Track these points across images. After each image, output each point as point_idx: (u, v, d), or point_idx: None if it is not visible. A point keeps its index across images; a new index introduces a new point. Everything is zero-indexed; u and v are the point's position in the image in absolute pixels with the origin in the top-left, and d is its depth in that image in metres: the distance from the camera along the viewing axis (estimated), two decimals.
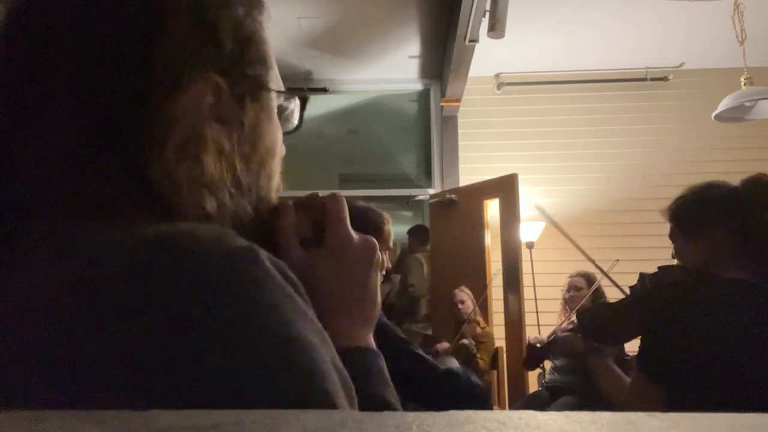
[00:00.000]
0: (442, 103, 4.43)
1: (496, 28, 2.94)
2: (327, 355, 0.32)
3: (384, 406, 0.43)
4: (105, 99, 0.36)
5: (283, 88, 0.48)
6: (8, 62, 0.38)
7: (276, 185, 0.47)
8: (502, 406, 3.46)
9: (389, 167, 4.79)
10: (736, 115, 3.05)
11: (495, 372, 3.55)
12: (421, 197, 4.65)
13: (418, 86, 4.71)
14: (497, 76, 4.63)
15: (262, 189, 0.45)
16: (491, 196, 3.95)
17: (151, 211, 0.36)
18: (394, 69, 4.44)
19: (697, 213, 1.27)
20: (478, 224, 3.98)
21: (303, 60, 4.24)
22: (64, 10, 0.38)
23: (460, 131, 4.54)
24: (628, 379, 1.33)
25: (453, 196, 4.15)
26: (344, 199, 0.50)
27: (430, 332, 4.12)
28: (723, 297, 1.16)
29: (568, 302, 3.16)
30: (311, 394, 0.29)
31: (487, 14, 3.03)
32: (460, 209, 4.10)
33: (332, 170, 5.09)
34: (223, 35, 0.41)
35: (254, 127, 0.43)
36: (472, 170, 4.36)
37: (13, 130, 0.37)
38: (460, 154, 4.50)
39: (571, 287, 3.18)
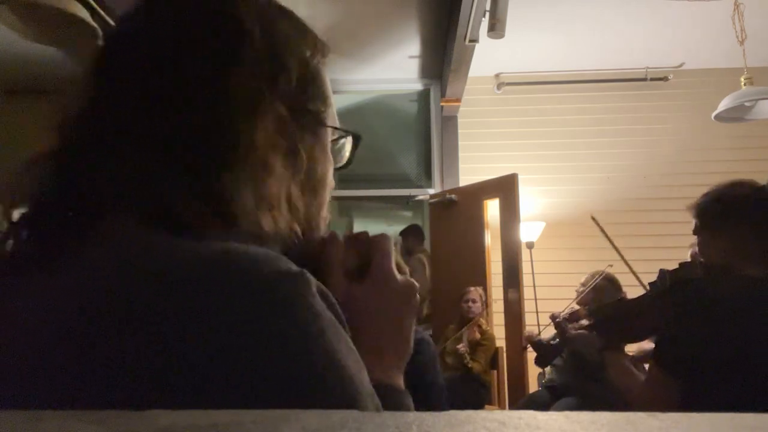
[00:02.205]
0: (442, 103, 4.43)
1: (496, 28, 2.94)
2: (367, 384, 0.33)
3: None
4: (184, 121, 0.39)
5: (338, 125, 0.51)
6: (103, 81, 0.42)
7: (325, 215, 0.50)
8: (502, 406, 3.45)
9: (389, 167, 4.78)
10: (736, 115, 3.05)
11: (495, 372, 3.54)
12: (421, 197, 4.65)
13: (418, 86, 4.71)
14: (497, 76, 4.63)
15: (312, 217, 0.47)
16: (491, 196, 3.95)
17: (213, 226, 0.38)
18: (394, 69, 4.43)
19: (723, 208, 1.28)
20: (478, 224, 3.98)
21: None
22: (157, 41, 0.42)
23: (460, 131, 4.54)
24: (643, 376, 1.33)
25: (453, 196, 4.15)
26: (391, 239, 0.51)
27: (430, 332, 4.12)
28: (744, 294, 1.16)
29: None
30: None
31: (487, 14, 3.03)
32: (460, 209, 4.10)
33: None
34: (292, 72, 0.44)
35: (310, 158, 0.46)
36: (472, 170, 4.35)
37: (99, 139, 0.40)
38: (460, 154, 4.50)
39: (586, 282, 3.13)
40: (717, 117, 3.03)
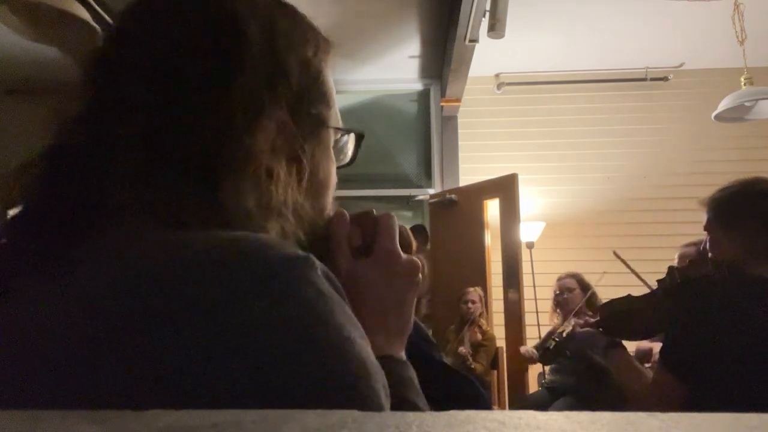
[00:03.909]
0: (442, 103, 4.43)
1: (496, 28, 2.94)
2: (373, 358, 0.34)
3: (415, 410, 0.44)
4: (183, 127, 0.39)
5: (340, 125, 0.51)
6: (102, 82, 0.42)
7: (327, 215, 0.50)
8: (502, 406, 3.45)
9: (389, 167, 4.78)
10: (736, 115, 3.05)
11: (495, 372, 3.54)
12: (421, 197, 4.65)
13: (418, 86, 4.71)
14: (497, 76, 4.63)
15: (315, 219, 0.47)
16: (491, 196, 3.95)
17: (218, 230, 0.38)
18: (394, 69, 4.43)
19: (737, 205, 1.27)
20: (478, 224, 3.98)
21: None
22: (154, 43, 0.41)
23: (460, 131, 4.54)
24: (649, 376, 1.32)
25: (453, 196, 4.15)
26: (395, 218, 0.52)
27: (430, 332, 4.12)
28: (753, 294, 1.15)
29: (561, 304, 3.15)
30: (365, 390, 0.31)
31: (487, 14, 3.03)
32: (460, 209, 4.10)
33: None
34: (293, 75, 0.44)
35: (312, 161, 0.46)
36: (472, 170, 4.36)
37: (98, 141, 0.40)
38: (460, 154, 4.50)
39: (563, 289, 3.16)
40: (717, 117, 3.03)
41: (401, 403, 0.43)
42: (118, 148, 0.39)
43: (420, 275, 0.51)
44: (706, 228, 1.33)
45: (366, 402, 0.30)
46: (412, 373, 0.47)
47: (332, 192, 0.50)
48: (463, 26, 3.22)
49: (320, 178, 0.47)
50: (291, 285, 0.32)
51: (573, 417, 0.20)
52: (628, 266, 1.85)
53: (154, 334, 0.29)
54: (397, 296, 0.49)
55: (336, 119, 0.50)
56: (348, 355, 0.31)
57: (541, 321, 3.83)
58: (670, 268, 1.37)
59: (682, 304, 1.23)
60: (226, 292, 0.30)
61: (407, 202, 4.80)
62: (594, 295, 3.07)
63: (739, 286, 1.19)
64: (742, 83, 2.93)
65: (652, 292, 1.40)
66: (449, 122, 4.55)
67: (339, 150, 0.52)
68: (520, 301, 3.65)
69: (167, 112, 0.39)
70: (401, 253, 0.50)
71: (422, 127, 4.78)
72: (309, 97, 0.46)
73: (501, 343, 3.65)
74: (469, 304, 3.55)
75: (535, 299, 3.93)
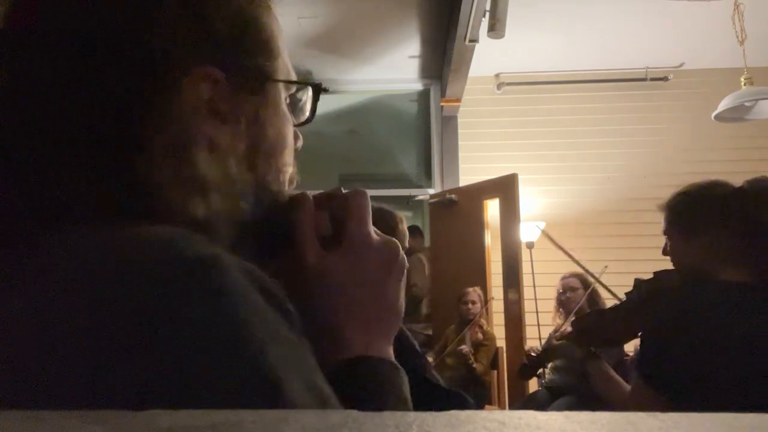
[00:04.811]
0: (442, 103, 4.43)
1: (496, 28, 2.94)
2: (301, 377, 0.28)
3: None
4: (93, 99, 0.35)
5: (293, 78, 0.45)
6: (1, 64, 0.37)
7: (286, 180, 0.44)
8: (502, 406, 3.45)
9: (389, 167, 4.78)
10: (736, 115, 3.05)
11: (495, 372, 3.55)
12: (421, 197, 4.65)
13: (418, 86, 4.71)
14: (497, 76, 4.63)
15: (270, 185, 0.42)
16: (491, 196, 3.95)
17: (140, 217, 0.33)
18: (394, 69, 4.43)
19: (698, 210, 1.23)
20: (478, 224, 3.98)
21: (303, 60, 4.24)
22: (48, 9, 0.36)
23: (460, 131, 4.54)
24: (627, 387, 1.31)
25: (453, 196, 4.15)
26: (368, 196, 0.45)
27: (430, 332, 4.12)
28: (722, 301, 1.14)
29: (564, 304, 3.16)
30: (272, 399, 0.26)
31: (487, 14, 3.03)
32: (460, 209, 4.10)
33: (332, 170, 5.08)
34: (218, 24, 0.38)
35: (256, 121, 0.41)
36: (472, 170, 4.36)
37: (10, 129, 0.35)
38: (460, 154, 4.50)
39: (566, 288, 3.18)
40: (717, 117, 3.03)
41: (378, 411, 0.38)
42: (22, 132, 0.35)
43: (401, 257, 0.45)
44: (665, 233, 1.30)
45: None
46: (398, 376, 0.42)
47: (290, 153, 0.44)
48: (463, 26, 3.22)
49: (271, 138, 0.42)
50: (181, 296, 0.27)
51: (573, 417, 0.20)
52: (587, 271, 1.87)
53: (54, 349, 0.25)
54: (375, 288, 0.43)
55: (286, 72, 0.44)
56: (254, 374, 0.26)
57: (541, 321, 3.83)
58: (637, 281, 1.36)
59: (653, 316, 1.22)
60: (110, 310, 0.26)
61: (407, 202, 4.80)
62: (596, 294, 3.08)
63: (707, 295, 1.17)
64: (742, 83, 2.93)
65: (620, 305, 1.40)
66: (449, 122, 4.55)
67: (295, 106, 0.46)
68: (520, 301, 3.65)
69: (67, 87, 0.35)
70: (375, 236, 0.44)
71: (422, 127, 4.78)
72: (243, 49, 0.40)
73: (501, 343, 3.65)
74: (469, 305, 3.55)
75: (535, 299, 3.93)
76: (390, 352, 0.44)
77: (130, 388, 0.24)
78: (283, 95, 0.44)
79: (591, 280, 3.08)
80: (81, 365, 0.25)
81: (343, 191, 0.46)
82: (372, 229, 0.44)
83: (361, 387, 0.39)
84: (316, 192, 0.46)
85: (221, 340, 0.26)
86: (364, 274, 0.43)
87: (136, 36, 0.35)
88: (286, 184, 0.44)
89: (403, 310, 0.46)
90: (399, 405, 0.39)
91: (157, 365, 0.25)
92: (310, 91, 0.47)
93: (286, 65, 0.44)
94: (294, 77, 0.45)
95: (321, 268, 0.42)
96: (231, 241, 0.38)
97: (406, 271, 0.46)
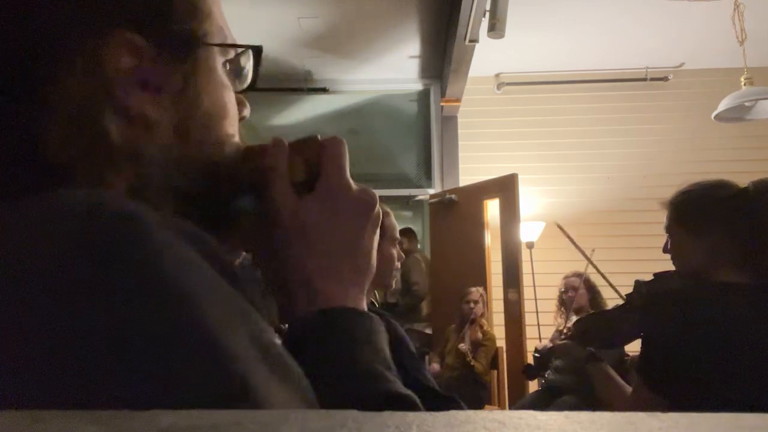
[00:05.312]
0: (442, 103, 4.43)
1: (496, 28, 2.94)
2: (241, 334, 0.26)
3: (367, 373, 0.37)
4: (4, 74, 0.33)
5: (229, 41, 0.42)
6: None
7: (231, 150, 0.42)
8: (502, 406, 3.46)
9: (389, 167, 4.79)
10: (736, 115, 3.05)
11: (495, 372, 3.55)
12: (421, 197, 4.65)
13: (418, 86, 4.71)
14: (497, 76, 4.63)
15: (210, 155, 0.40)
16: (491, 196, 3.95)
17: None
18: (394, 69, 4.44)
19: (701, 210, 1.22)
20: (478, 224, 3.98)
21: (303, 60, 4.24)
22: None
23: (460, 131, 4.54)
24: (629, 388, 1.30)
25: (453, 196, 4.15)
26: (345, 144, 0.44)
27: (430, 331, 4.13)
28: (724, 303, 1.13)
29: (566, 303, 3.17)
30: (215, 382, 0.24)
31: (487, 14, 3.03)
32: (460, 209, 4.10)
33: None
34: None
35: (187, 89, 0.38)
36: (472, 170, 4.36)
37: None
38: (460, 154, 4.50)
39: (568, 287, 3.18)
40: (717, 117, 3.03)
41: (352, 368, 0.37)
42: None
43: (378, 208, 0.44)
44: (667, 230, 1.29)
45: (222, 392, 0.23)
46: (373, 325, 0.41)
47: (231, 121, 0.42)
48: (463, 26, 3.23)
49: (206, 105, 0.39)
50: (111, 253, 0.25)
51: (573, 417, 0.20)
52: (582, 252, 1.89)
53: None
54: (348, 235, 0.42)
55: (221, 35, 0.41)
56: (190, 335, 0.24)
57: (541, 321, 3.84)
58: (637, 283, 1.35)
59: (655, 318, 1.21)
60: (29, 277, 0.24)
61: (407, 202, 4.81)
62: (598, 294, 3.09)
63: (709, 297, 1.16)
64: (742, 83, 2.93)
65: (621, 307, 1.40)
66: (449, 122, 4.55)
67: (235, 72, 0.43)
68: (520, 301, 3.65)
69: None
70: (352, 184, 0.43)
71: (422, 127, 4.79)
72: (166, 11, 0.37)
73: (501, 343, 3.65)
74: (471, 304, 3.55)
75: (535, 299, 3.93)
76: (362, 301, 0.43)
77: (69, 357, 0.22)
78: (219, 61, 0.41)
79: (592, 279, 3.09)
80: (17, 348, 0.23)
81: (320, 138, 0.44)
82: (347, 176, 0.43)
83: (334, 338, 0.38)
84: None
85: (150, 294, 0.24)
86: (337, 220, 0.42)
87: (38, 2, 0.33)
88: (231, 155, 0.42)
89: (375, 261, 0.45)
90: (373, 355, 0.38)
91: (89, 329, 0.23)
92: (251, 56, 0.44)
93: (222, 28, 0.41)
94: (231, 41, 0.42)
95: (294, 214, 0.41)
96: (175, 210, 0.37)
97: (380, 222, 0.45)
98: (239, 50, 0.43)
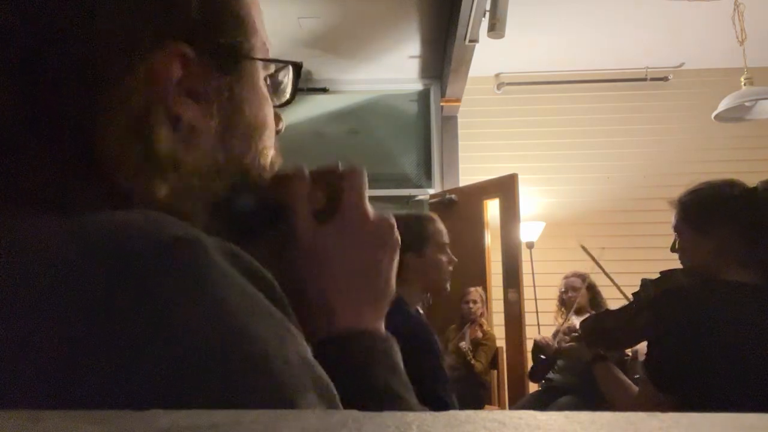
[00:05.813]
0: (442, 103, 4.43)
1: (496, 28, 2.94)
2: (294, 357, 0.28)
3: (386, 395, 0.38)
4: (52, 82, 0.33)
5: (269, 56, 0.43)
6: None
7: (267, 163, 0.43)
8: (502, 406, 3.46)
9: (389, 167, 4.78)
10: (736, 115, 3.05)
11: (495, 372, 3.55)
12: (421, 197, 4.65)
13: (418, 86, 4.71)
14: (497, 76, 4.63)
15: (249, 167, 0.41)
16: (491, 196, 3.95)
17: (105, 202, 0.32)
18: (394, 69, 4.43)
19: (710, 209, 1.22)
20: (478, 224, 3.98)
21: (303, 60, 4.22)
22: None
23: (460, 131, 4.54)
24: (635, 388, 1.30)
25: (453, 196, 4.15)
26: (364, 173, 0.45)
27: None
28: (731, 302, 1.13)
29: (566, 303, 3.18)
30: (264, 394, 0.25)
31: (487, 14, 3.03)
32: (460, 209, 4.10)
33: None
34: (188, 2, 0.36)
35: (231, 100, 0.39)
36: (472, 170, 4.36)
37: None
38: (460, 154, 4.50)
39: (569, 288, 3.19)
40: (717, 117, 3.03)
41: (369, 389, 0.38)
42: None
43: (395, 234, 0.45)
44: (675, 229, 1.30)
45: (275, 405, 0.25)
46: (390, 347, 0.42)
47: (270, 135, 0.43)
48: (463, 26, 3.22)
49: (248, 118, 0.40)
50: (155, 279, 0.25)
51: (573, 417, 0.20)
52: (598, 264, 1.91)
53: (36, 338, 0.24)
54: (368, 262, 0.43)
55: (264, 50, 0.42)
56: (246, 357, 0.25)
57: (541, 321, 3.83)
58: (643, 281, 1.34)
59: (662, 318, 1.20)
60: (73, 301, 0.24)
61: (407, 202, 4.80)
62: (598, 294, 3.09)
63: (716, 295, 1.16)
64: (742, 83, 2.93)
65: (628, 305, 1.38)
66: (449, 122, 4.55)
67: (276, 87, 0.45)
68: (520, 301, 3.65)
69: (28, 69, 0.33)
70: (370, 212, 0.44)
71: (422, 127, 4.78)
72: (217, 25, 0.38)
73: (501, 343, 3.65)
74: (471, 304, 3.56)
75: (535, 299, 3.93)
76: (380, 325, 0.44)
77: (113, 376, 0.23)
78: (261, 75, 0.42)
79: (593, 280, 3.09)
80: (63, 358, 0.23)
81: (340, 166, 0.45)
82: (366, 205, 0.44)
83: (351, 361, 0.39)
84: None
85: (204, 320, 0.25)
86: (357, 249, 0.43)
87: (99, 12, 0.33)
88: (267, 167, 0.43)
89: (394, 287, 0.46)
90: (390, 376, 0.40)
91: (141, 351, 0.24)
92: (291, 72, 0.46)
93: (264, 44, 0.42)
94: (269, 56, 0.43)
95: (314, 241, 0.42)
96: (207, 223, 0.37)
97: (399, 246, 0.46)
98: (280, 65, 0.44)
